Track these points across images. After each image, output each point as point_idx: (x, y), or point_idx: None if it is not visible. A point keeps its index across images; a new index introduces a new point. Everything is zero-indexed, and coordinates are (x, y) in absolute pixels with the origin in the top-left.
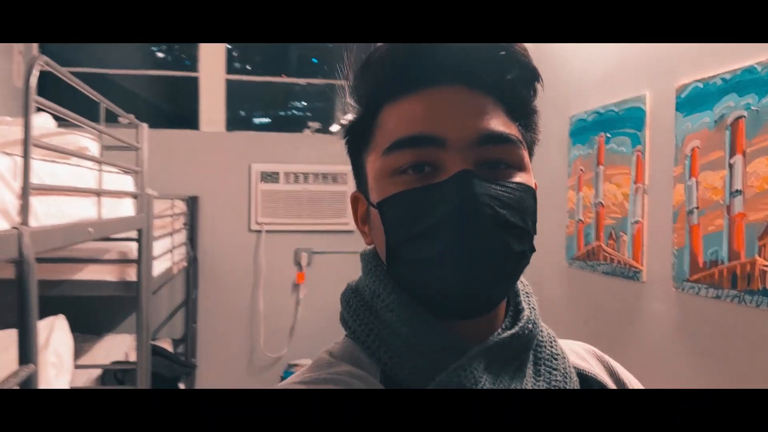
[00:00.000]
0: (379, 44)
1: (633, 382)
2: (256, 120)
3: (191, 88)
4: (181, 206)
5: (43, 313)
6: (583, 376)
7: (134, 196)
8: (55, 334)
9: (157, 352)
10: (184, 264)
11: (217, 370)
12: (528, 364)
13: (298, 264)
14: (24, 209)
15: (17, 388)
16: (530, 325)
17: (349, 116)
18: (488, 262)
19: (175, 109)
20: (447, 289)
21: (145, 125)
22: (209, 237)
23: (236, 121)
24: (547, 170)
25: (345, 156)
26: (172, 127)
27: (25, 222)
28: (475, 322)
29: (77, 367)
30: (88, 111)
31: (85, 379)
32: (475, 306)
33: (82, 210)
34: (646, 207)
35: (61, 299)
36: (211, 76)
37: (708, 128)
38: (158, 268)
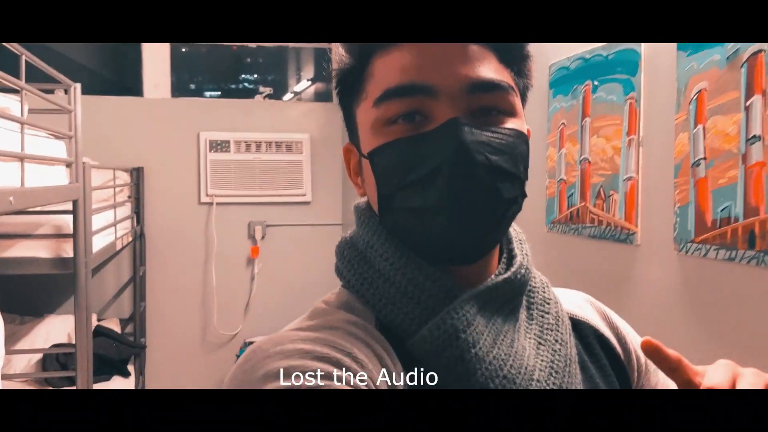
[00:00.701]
0: None
1: (627, 329)
2: (207, 93)
3: (133, 53)
4: (124, 177)
5: None
6: (575, 321)
7: (67, 164)
8: None
9: (102, 332)
10: (130, 239)
11: (169, 350)
12: (521, 308)
13: (252, 237)
14: None
15: None
16: (523, 270)
17: (341, 66)
18: (480, 208)
19: (117, 76)
20: (440, 235)
21: (77, 85)
22: (156, 210)
23: (185, 95)
24: None
25: (300, 123)
26: (114, 94)
27: None
28: (469, 268)
29: (12, 352)
30: (12, 73)
31: (24, 365)
32: (468, 252)
33: (4, 176)
34: (641, 161)
35: None
36: None
37: (718, 67)
38: (99, 243)
